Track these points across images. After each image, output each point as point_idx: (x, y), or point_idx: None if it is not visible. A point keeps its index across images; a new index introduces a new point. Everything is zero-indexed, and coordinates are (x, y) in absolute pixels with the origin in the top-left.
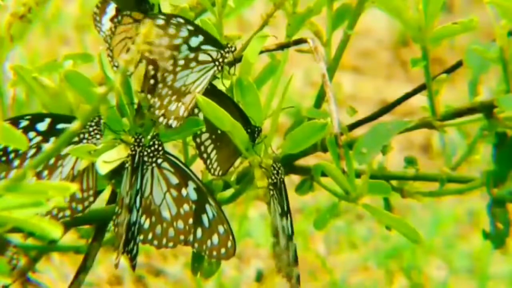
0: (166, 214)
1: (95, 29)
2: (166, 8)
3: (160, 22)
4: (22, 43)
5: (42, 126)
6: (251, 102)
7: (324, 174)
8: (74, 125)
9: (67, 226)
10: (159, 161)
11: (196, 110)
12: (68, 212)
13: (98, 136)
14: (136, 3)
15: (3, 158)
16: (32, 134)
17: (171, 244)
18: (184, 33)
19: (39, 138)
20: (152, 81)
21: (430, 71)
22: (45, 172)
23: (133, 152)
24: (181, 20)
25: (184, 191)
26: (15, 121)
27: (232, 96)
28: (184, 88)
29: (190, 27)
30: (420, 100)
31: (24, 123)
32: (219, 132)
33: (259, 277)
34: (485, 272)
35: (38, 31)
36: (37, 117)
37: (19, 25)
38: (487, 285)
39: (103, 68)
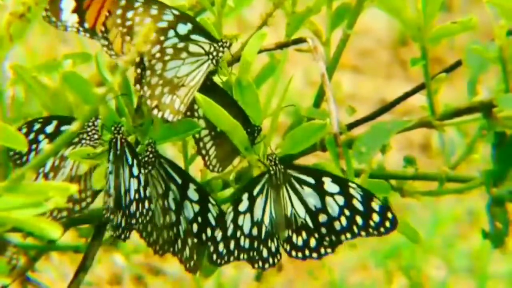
0: (167, 219)
1: (58, 29)
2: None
3: (138, 4)
4: (21, 42)
5: (50, 128)
6: (250, 102)
7: None
8: (73, 126)
9: (67, 226)
10: (154, 165)
11: (195, 106)
12: (65, 213)
13: (96, 137)
14: None
15: (18, 161)
16: (41, 136)
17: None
18: (169, 16)
19: (47, 140)
20: (139, 70)
21: (429, 70)
22: (51, 174)
23: (114, 140)
24: (161, 4)
25: (185, 193)
26: (30, 124)
27: (232, 95)
28: (178, 80)
29: (176, 12)
30: (420, 99)
31: (37, 126)
32: (218, 129)
33: (259, 277)
34: (485, 272)
35: (37, 30)
36: (47, 120)
37: (19, 24)
38: (487, 284)
39: (100, 70)
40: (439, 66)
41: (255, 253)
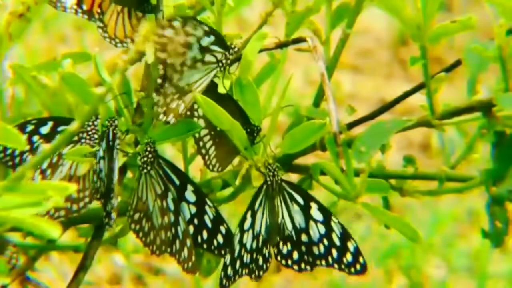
0: (165, 219)
1: (58, 10)
2: (169, 8)
3: (177, 23)
4: (21, 41)
5: (45, 129)
6: (250, 102)
7: (323, 173)
8: (73, 125)
9: (66, 225)
10: (153, 166)
11: (195, 106)
12: (63, 212)
13: (95, 136)
14: (138, 3)
15: (10, 163)
16: (36, 137)
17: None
18: (199, 32)
19: (42, 141)
20: (159, 80)
21: (429, 70)
22: (49, 171)
23: (107, 131)
24: (197, 21)
25: (182, 195)
26: (22, 126)
27: (232, 95)
28: (187, 87)
29: (206, 28)
30: (419, 99)
31: (30, 127)
32: (218, 128)
33: None
34: (484, 271)
35: (37, 30)
36: (41, 121)
37: (18, 23)
38: (486, 284)
39: (98, 70)
40: (439, 66)
41: (253, 265)
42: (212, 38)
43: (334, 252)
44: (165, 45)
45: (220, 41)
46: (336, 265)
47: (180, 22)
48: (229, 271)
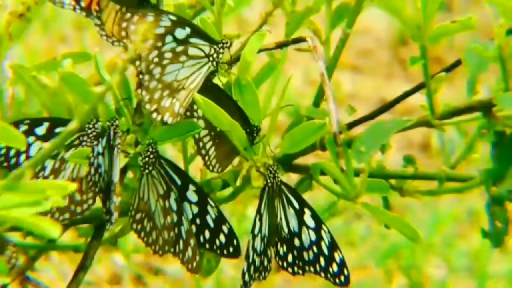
0: (168, 219)
1: (55, 5)
2: (169, 7)
3: (136, 14)
4: (21, 41)
5: (41, 130)
6: (249, 102)
7: (323, 173)
8: (73, 125)
9: (66, 225)
10: (155, 166)
11: (195, 106)
12: (67, 215)
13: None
14: (138, 2)
15: (5, 164)
16: (31, 138)
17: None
18: (166, 22)
19: (38, 143)
20: (140, 75)
21: (429, 69)
22: (51, 177)
23: (108, 130)
24: (161, 12)
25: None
26: (15, 126)
27: (231, 95)
28: (177, 84)
29: (173, 17)
30: (419, 98)
31: (23, 127)
32: (217, 129)
33: None
34: (484, 271)
35: (37, 30)
36: (36, 122)
37: (18, 23)
38: (486, 284)
39: (99, 70)
40: (439, 66)
41: (261, 267)
42: (187, 30)
43: (322, 261)
44: (130, 36)
45: (199, 32)
46: (322, 274)
47: (140, 13)
48: (247, 277)
